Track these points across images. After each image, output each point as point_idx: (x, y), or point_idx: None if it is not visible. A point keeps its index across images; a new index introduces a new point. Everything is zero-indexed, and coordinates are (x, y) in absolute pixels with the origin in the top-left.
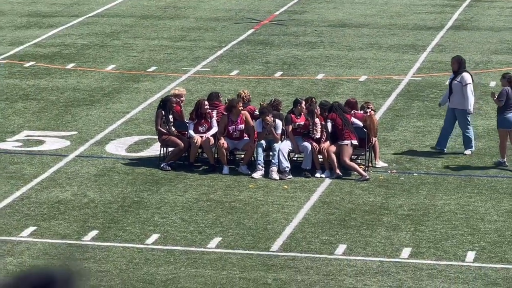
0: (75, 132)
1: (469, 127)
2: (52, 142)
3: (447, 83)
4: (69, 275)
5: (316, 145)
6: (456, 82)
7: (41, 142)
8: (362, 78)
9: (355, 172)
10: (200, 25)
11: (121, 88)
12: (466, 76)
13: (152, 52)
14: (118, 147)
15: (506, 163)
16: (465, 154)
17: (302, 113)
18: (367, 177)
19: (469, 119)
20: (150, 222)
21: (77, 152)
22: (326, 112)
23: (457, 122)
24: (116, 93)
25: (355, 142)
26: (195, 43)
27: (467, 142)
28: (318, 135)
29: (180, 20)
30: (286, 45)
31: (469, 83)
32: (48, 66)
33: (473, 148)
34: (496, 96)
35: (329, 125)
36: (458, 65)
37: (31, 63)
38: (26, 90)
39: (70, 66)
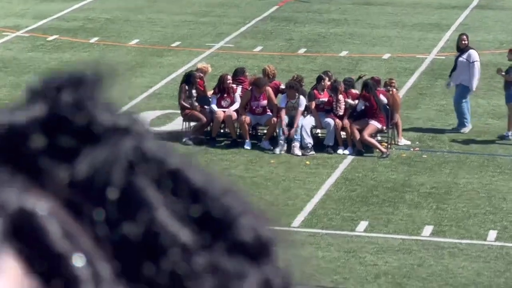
0: None
1: (464, 104)
2: None
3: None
4: (100, 75)
5: (339, 121)
6: (462, 59)
7: None
8: (386, 56)
9: (376, 150)
10: (224, 1)
11: (144, 63)
12: (474, 53)
13: (176, 27)
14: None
15: (510, 136)
16: (462, 132)
17: (325, 89)
18: (388, 153)
19: (468, 97)
20: None
21: None
22: (351, 89)
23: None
24: (139, 67)
25: (380, 126)
26: (219, 19)
27: (462, 120)
28: (341, 112)
29: None
30: (310, 22)
31: (477, 61)
32: (72, 40)
33: (469, 125)
34: (504, 72)
35: (360, 104)
36: (467, 42)
37: (55, 36)
38: (49, 63)
39: (93, 40)
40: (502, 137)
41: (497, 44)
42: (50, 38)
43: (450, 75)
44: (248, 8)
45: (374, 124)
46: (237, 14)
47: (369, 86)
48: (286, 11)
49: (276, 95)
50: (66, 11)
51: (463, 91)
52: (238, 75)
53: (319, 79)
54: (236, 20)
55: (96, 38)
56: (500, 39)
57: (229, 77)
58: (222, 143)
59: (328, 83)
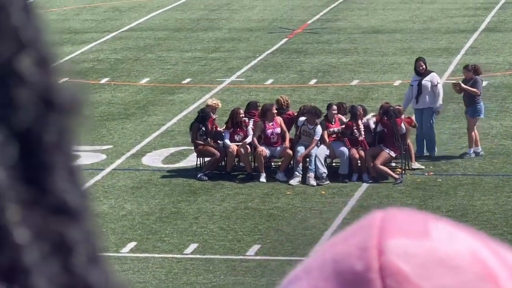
0: (111, 146)
1: (434, 127)
2: (88, 156)
3: (411, 84)
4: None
5: (355, 150)
6: (426, 82)
7: (76, 157)
8: (397, 82)
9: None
10: (234, 36)
11: (156, 101)
12: (436, 76)
13: (186, 64)
14: (154, 159)
15: (472, 154)
16: (431, 156)
17: (335, 118)
18: (401, 179)
19: (434, 119)
20: (188, 232)
21: (113, 166)
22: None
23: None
24: (151, 106)
25: (394, 155)
26: (229, 54)
27: (432, 144)
28: (362, 137)
29: (213, 31)
30: (320, 53)
31: (440, 82)
32: (82, 82)
33: (436, 150)
34: (470, 87)
35: (377, 127)
36: (426, 66)
37: (65, 79)
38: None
39: (104, 81)
40: (463, 155)
41: (507, 66)
42: (60, 81)
43: (416, 101)
44: (257, 41)
45: (388, 153)
46: (246, 48)
47: (390, 113)
48: (295, 43)
49: (291, 125)
50: (75, 53)
51: (431, 115)
52: (250, 108)
53: (328, 108)
54: (246, 54)
55: (106, 79)
56: (510, 60)
57: (241, 111)
58: (238, 177)
59: (335, 112)
